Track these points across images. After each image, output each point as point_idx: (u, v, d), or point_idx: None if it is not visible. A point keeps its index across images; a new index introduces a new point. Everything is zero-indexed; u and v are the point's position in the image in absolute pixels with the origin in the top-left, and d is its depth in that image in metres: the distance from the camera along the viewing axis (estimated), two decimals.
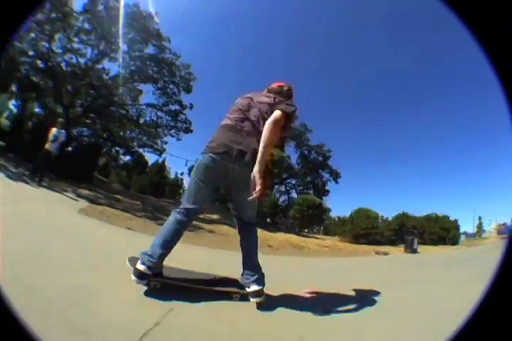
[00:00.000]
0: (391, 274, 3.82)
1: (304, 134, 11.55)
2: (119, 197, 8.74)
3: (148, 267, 1.49)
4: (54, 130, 6.07)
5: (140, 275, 1.48)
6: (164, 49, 9.97)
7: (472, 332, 0.74)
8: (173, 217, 1.66)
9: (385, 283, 2.80)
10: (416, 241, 9.86)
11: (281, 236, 9.41)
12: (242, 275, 1.75)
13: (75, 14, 11.13)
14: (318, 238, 11.48)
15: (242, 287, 1.73)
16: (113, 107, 9.89)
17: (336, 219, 11.89)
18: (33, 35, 11.47)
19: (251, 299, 1.65)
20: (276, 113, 1.64)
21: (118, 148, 10.24)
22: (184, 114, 9.87)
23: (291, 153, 11.93)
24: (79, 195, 6.72)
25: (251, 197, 1.52)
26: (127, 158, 10.76)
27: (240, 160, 1.62)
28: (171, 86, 9.94)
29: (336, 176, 12.00)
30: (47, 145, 5.92)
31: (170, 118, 9.84)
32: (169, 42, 10.13)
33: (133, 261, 1.65)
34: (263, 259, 4.05)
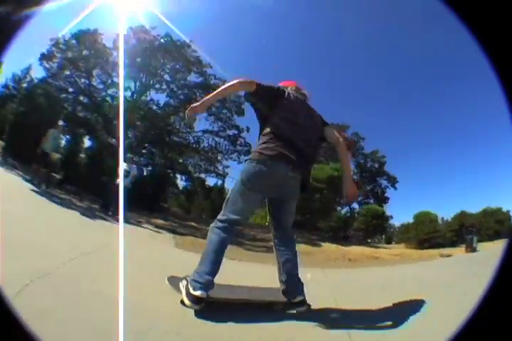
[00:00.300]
0: (455, 275, 4.06)
1: (358, 143, 11.78)
2: (193, 224, 9.00)
3: (203, 292, 1.53)
4: (124, 165, 6.37)
5: (195, 301, 1.52)
6: (208, 75, 10.45)
7: (472, 331, 0.75)
8: (216, 236, 1.66)
9: (451, 284, 3.04)
10: (475, 239, 9.89)
11: (354, 249, 9.66)
12: (283, 286, 1.78)
13: (107, 50, 11.66)
14: (385, 247, 11.56)
15: (283, 298, 1.79)
16: (169, 136, 10.32)
17: (400, 226, 11.92)
18: (67, 72, 11.97)
19: (296, 309, 1.72)
20: (344, 144, 1.97)
21: (179, 175, 10.63)
22: (243, 138, 10.23)
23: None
24: (156, 226, 6.97)
25: (350, 200, 2.03)
26: (185, 182, 11.11)
27: (296, 171, 1.72)
28: (224, 111, 10.36)
29: (393, 182, 12.13)
30: (118, 180, 6.14)
31: (229, 143, 10.21)
32: (211, 67, 10.62)
33: (173, 280, 1.74)
34: (352, 273, 4.37)
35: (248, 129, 10.10)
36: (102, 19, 10.40)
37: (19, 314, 0.77)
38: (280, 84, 2.04)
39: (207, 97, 1.89)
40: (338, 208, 10.74)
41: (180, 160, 10.63)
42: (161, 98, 11.10)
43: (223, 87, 1.87)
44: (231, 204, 1.72)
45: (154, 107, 10.70)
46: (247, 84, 1.82)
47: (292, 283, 1.75)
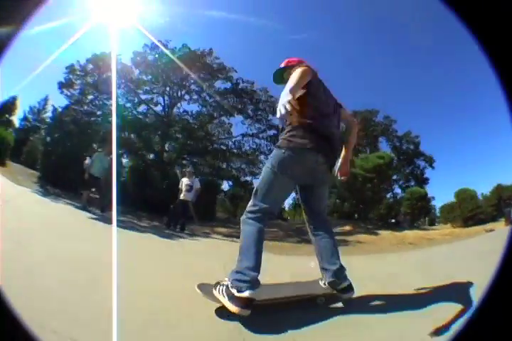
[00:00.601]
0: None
1: (390, 126, 11.80)
2: None
3: (252, 291, 1.38)
4: (185, 180, 6.43)
5: (244, 304, 1.35)
6: (234, 79, 10.59)
7: (475, 328, 0.75)
8: (252, 227, 1.56)
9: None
10: None
11: (408, 233, 9.87)
12: (326, 274, 1.70)
13: (129, 69, 11.74)
14: (434, 229, 11.64)
15: (323, 289, 1.72)
16: (209, 144, 10.47)
17: (442, 206, 11.95)
18: (91, 97, 12.09)
19: (344, 296, 1.67)
20: (357, 127, 2.04)
21: (225, 181, 10.77)
22: None
23: (384, 148, 12.24)
24: (225, 235, 7.01)
25: (343, 178, 1.92)
26: (231, 187, 11.24)
27: (325, 157, 1.68)
28: (259, 112, 10.45)
29: (430, 162, 12.12)
30: (182, 196, 6.25)
31: (270, 144, 10.29)
32: (236, 71, 10.73)
33: (204, 287, 1.54)
34: (416, 256, 4.66)
35: None
36: (107, 40, 10.48)
37: (19, 314, 0.76)
38: (291, 61, 1.93)
39: (291, 88, 1.46)
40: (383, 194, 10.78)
41: (224, 167, 10.77)
42: (194, 108, 11.19)
43: (298, 78, 1.50)
44: (262, 193, 1.62)
45: (189, 118, 10.81)
46: (314, 72, 1.68)
47: (335, 269, 1.68)
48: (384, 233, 9.29)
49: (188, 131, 10.29)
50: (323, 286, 1.73)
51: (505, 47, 0.77)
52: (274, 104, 10.46)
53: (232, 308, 1.34)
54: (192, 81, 11.73)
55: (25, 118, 15.13)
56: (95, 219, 5.14)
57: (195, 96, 10.90)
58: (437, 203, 12.67)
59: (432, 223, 12.94)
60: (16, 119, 13.98)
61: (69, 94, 11.56)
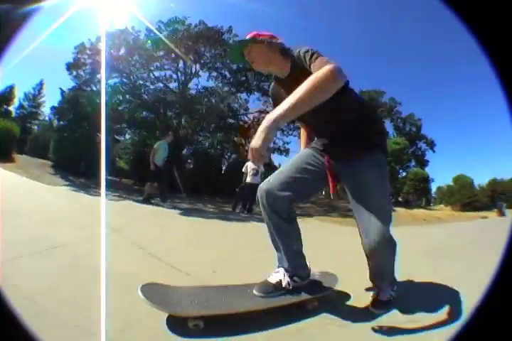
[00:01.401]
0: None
1: (395, 108, 11.87)
2: None
3: None
4: (251, 164, 6.18)
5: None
6: None
7: (475, 326, 0.71)
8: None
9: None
10: (504, 205, 10.70)
11: (417, 212, 10.55)
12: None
13: (143, 46, 10.99)
14: (436, 209, 12.17)
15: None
16: (226, 119, 10.10)
17: (445, 188, 12.38)
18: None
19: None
20: None
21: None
22: None
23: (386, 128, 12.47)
24: None
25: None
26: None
27: None
28: None
29: (431, 145, 12.42)
30: (249, 179, 6.01)
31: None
32: None
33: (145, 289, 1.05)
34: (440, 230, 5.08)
35: None
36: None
37: (19, 314, 0.72)
38: (260, 35, 1.22)
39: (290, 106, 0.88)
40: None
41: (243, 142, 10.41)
42: (210, 84, 10.80)
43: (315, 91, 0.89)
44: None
45: (206, 93, 10.34)
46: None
47: None
48: (399, 209, 9.66)
49: (205, 106, 9.86)
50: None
51: (506, 47, 0.73)
52: None
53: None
54: (206, 57, 11.23)
55: (20, 106, 14.03)
56: (177, 212, 4.53)
57: (213, 73, 10.49)
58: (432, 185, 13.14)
59: (428, 203, 13.52)
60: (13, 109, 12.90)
61: (76, 74, 10.57)
